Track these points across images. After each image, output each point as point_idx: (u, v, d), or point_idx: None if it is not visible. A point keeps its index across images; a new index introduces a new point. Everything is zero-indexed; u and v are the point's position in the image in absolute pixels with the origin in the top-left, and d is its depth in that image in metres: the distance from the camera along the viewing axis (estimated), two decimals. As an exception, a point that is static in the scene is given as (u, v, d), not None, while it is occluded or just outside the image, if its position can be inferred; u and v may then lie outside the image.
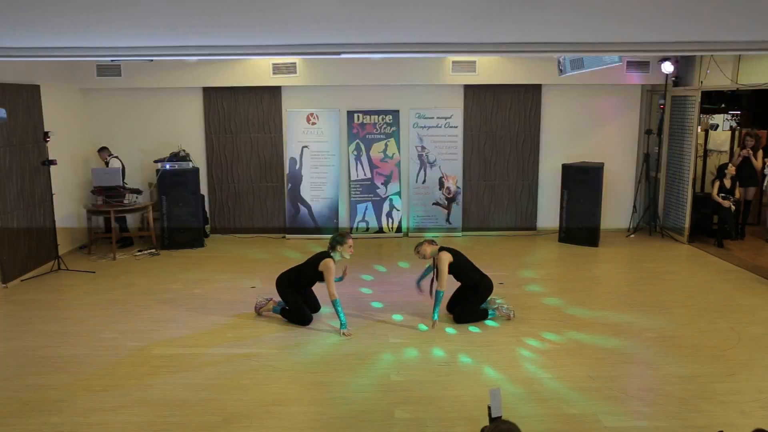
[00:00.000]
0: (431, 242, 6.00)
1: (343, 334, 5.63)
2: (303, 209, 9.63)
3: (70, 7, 2.78)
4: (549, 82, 9.29)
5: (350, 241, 5.82)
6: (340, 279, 5.97)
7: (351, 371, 4.95)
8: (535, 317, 6.09)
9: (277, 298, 6.12)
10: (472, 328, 5.81)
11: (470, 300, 5.94)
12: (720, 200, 8.86)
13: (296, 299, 5.92)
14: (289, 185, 9.61)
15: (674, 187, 9.40)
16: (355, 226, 9.65)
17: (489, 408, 2.83)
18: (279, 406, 4.39)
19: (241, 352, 5.30)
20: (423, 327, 5.81)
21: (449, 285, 5.87)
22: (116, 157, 8.98)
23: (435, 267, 5.93)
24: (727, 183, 8.96)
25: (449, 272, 5.83)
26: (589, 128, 9.75)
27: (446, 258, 5.81)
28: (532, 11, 2.87)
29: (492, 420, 2.71)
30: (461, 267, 5.92)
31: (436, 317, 5.76)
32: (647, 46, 3.21)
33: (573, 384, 4.69)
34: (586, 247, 8.89)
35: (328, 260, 5.71)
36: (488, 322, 5.92)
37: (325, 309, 6.33)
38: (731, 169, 8.96)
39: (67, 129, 8.79)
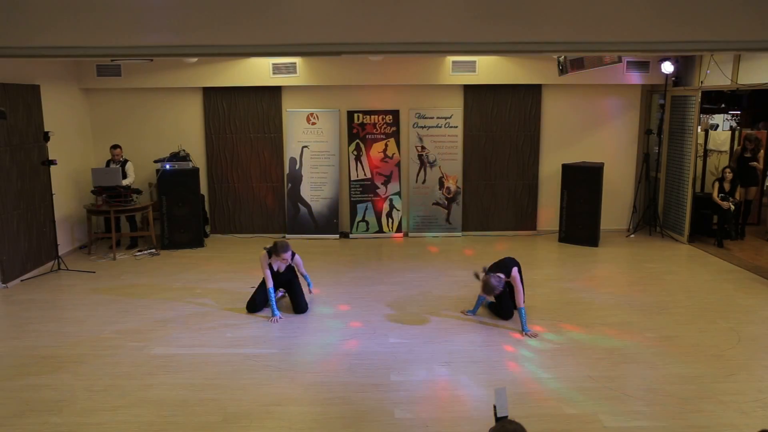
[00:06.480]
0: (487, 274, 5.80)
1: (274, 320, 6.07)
2: (303, 209, 9.63)
3: (70, 6, 2.79)
4: (549, 82, 9.29)
5: (284, 255, 6.13)
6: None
7: (351, 371, 4.95)
8: (535, 317, 6.09)
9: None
10: (472, 330, 5.82)
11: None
12: (719, 201, 8.87)
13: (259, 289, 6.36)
14: (289, 185, 9.61)
15: (674, 187, 9.40)
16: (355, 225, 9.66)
17: (494, 407, 2.82)
18: (279, 406, 4.39)
19: (241, 352, 5.30)
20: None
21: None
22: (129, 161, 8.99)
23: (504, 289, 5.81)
24: (726, 186, 8.97)
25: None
26: (589, 128, 9.75)
27: (516, 273, 5.81)
28: (532, 11, 2.89)
29: (498, 420, 2.70)
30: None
31: (527, 330, 5.69)
32: (647, 46, 3.23)
33: (573, 384, 4.69)
34: (586, 247, 8.89)
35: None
36: (488, 321, 5.94)
37: (324, 309, 6.35)
38: (728, 175, 8.97)
39: (67, 129, 8.79)
